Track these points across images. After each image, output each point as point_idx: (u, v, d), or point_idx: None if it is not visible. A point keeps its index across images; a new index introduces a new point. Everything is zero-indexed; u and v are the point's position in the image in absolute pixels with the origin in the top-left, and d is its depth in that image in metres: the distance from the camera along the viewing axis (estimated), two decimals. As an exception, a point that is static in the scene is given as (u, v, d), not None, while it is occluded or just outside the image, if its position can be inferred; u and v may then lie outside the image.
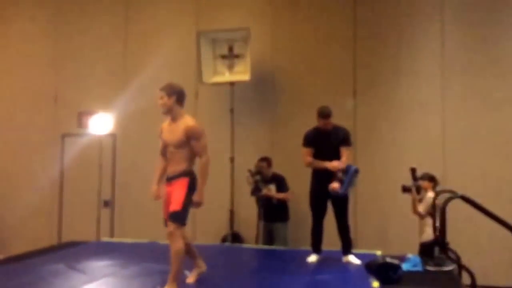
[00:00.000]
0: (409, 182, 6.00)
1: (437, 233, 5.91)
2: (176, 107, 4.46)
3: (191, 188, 4.37)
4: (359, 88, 7.70)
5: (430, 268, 5.22)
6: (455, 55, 7.44)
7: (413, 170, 6.00)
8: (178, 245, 4.23)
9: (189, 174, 4.39)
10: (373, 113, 7.64)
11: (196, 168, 4.46)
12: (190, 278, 4.68)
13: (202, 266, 4.77)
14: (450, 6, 7.52)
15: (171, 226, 4.26)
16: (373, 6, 7.81)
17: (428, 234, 6.07)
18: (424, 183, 6.13)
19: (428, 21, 7.58)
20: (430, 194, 6.09)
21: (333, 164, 5.46)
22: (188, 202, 4.34)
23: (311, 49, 7.94)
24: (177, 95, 4.46)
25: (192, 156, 4.43)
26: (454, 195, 5.18)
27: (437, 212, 6.02)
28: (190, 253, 4.66)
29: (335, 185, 5.37)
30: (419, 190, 6.08)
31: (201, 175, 4.38)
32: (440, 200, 5.31)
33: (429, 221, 6.06)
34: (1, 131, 8.94)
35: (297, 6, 8.11)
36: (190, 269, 4.77)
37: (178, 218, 4.28)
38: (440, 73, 7.45)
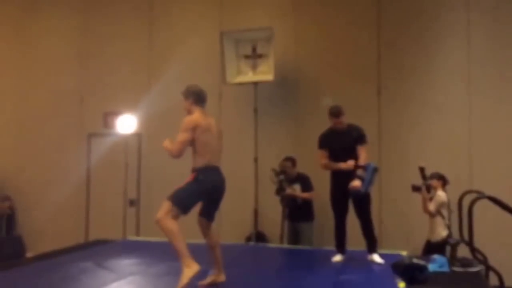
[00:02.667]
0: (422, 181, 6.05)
1: (451, 231, 5.98)
2: (194, 108, 4.49)
3: (195, 181, 4.30)
4: (383, 86, 7.65)
5: (457, 269, 5.16)
6: (482, 52, 7.34)
7: (422, 169, 6.02)
8: (168, 226, 4.14)
9: (196, 170, 4.35)
10: (398, 112, 7.58)
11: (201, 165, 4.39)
12: (204, 281, 4.51)
13: (221, 277, 4.58)
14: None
15: (159, 212, 4.18)
16: (398, 2, 7.75)
17: (439, 233, 6.11)
18: (434, 182, 6.16)
19: (454, 17, 7.50)
20: (440, 193, 6.14)
21: (348, 164, 5.43)
22: (186, 189, 4.27)
23: (335, 48, 7.91)
24: (193, 96, 4.51)
25: (198, 150, 4.36)
26: (481, 195, 5.15)
27: (448, 210, 6.09)
28: (213, 259, 4.56)
29: (356, 183, 5.30)
30: (429, 189, 6.11)
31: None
32: (466, 200, 5.27)
33: (439, 220, 6.11)
34: (29, 130, 9.13)
35: (320, 5, 8.08)
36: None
37: (171, 196, 4.23)
38: (467, 71, 7.36)
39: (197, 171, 4.35)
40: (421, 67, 7.57)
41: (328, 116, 5.59)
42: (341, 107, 5.58)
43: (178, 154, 4.34)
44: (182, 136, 4.34)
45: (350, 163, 5.43)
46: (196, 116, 4.42)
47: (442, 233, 6.09)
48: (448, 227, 6.10)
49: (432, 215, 6.14)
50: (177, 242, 4.16)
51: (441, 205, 6.12)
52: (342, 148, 5.52)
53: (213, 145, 4.47)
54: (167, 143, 4.43)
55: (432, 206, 6.10)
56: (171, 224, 4.17)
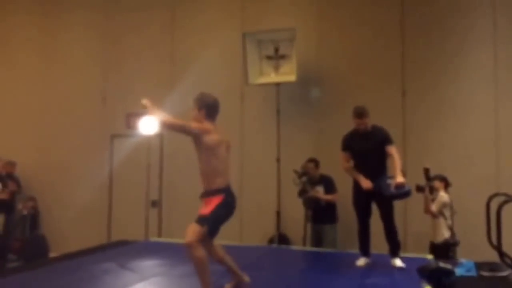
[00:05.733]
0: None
1: (454, 232, 6.04)
2: (206, 122, 4.21)
3: (225, 204, 4.10)
4: (408, 88, 7.55)
5: (485, 273, 5.05)
6: (509, 53, 7.20)
7: (426, 170, 6.00)
8: (196, 256, 3.98)
9: (221, 191, 4.11)
10: (423, 113, 7.48)
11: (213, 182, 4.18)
12: (228, 285, 4.46)
13: (244, 278, 4.44)
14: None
15: (189, 236, 3.97)
16: (421, 2, 7.64)
17: (442, 235, 6.14)
18: (436, 183, 6.22)
19: (480, 18, 7.38)
20: (442, 194, 6.22)
21: (367, 184, 5.28)
22: (217, 215, 4.06)
23: (358, 48, 7.84)
24: (207, 109, 4.22)
25: (219, 168, 4.12)
26: (509, 198, 5.04)
27: (451, 211, 6.14)
28: (227, 268, 4.42)
29: (401, 179, 5.09)
30: (432, 190, 6.17)
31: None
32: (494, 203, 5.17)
33: (442, 221, 6.14)
34: (53, 132, 9.23)
35: (343, 5, 8.02)
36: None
37: (204, 220, 4.01)
38: (494, 72, 7.23)
39: (223, 192, 4.12)
40: (446, 69, 7.45)
41: (352, 116, 5.49)
42: (365, 108, 5.41)
43: (164, 128, 4.22)
44: (188, 123, 4.11)
45: (369, 185, 5.28)
46: (212, 128, 4.20)
47: (445, 234, 6.11)
48: (451, 228, 6.10)
49: (434, 216, 6.20)
50: (202, 274, 4.03)
51: (443, 206, 6.17)
52: (367, 150, 5.39)
53: (228, 163, 4.26)
54: (148, 103, 4.23)
55: (434, 207, 6.17)
56: (200, 253, 3.99)
